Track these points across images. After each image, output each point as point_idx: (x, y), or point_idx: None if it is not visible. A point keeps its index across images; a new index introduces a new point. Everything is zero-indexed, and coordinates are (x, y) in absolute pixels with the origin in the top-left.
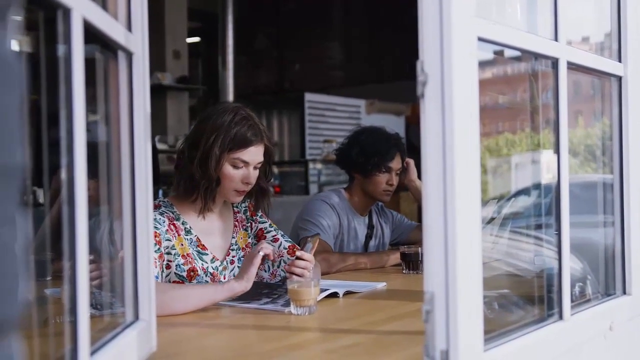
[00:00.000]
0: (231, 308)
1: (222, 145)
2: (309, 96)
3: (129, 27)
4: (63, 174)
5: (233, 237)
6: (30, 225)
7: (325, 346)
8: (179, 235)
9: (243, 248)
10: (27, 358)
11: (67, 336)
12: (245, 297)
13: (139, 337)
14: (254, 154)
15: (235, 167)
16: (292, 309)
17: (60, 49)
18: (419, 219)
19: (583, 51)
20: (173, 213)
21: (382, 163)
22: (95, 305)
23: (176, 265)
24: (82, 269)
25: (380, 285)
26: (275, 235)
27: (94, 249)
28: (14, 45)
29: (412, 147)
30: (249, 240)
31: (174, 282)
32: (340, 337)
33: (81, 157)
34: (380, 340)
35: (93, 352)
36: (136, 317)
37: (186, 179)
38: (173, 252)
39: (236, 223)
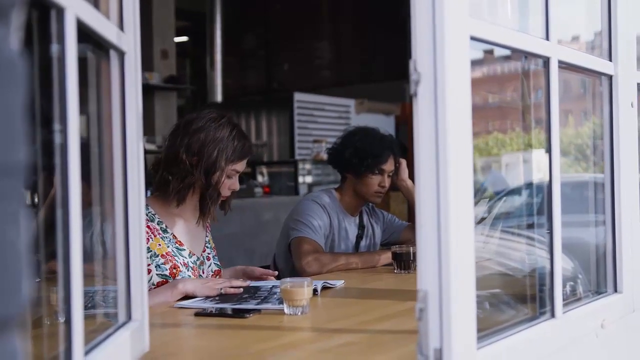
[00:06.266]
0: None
1: (226, 159)
2: (298, 96)
3: (121, 27)
4: (56, 175)
5: (207, 236)
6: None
7: (318, 345)
8: (155, 236)
9: (214, 248)
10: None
11: (61, 336)
12: (235, 300)
13: (132, 337)
14: (245, 164)
15: (229, 177)
16: (285, 308)
17: (54, 49)
18: (409, 218)
19: (574, 50)
20: (147, 214)
21: (376, 165)
22: (87, 305)
23: (156, 266)
24: (76, 269)
25: (339, 284)
26: (213, 253)
27: (84, 250)
28: (17, 45)
29: (401, 147)
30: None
31: (157, 283)
32: (334, 336)
33: (74, 158)
34: (374, 339)
35: (86, 353)
36: (129, 317)
37: (186, 187)
38: (149, 254)
39: (207, 225)
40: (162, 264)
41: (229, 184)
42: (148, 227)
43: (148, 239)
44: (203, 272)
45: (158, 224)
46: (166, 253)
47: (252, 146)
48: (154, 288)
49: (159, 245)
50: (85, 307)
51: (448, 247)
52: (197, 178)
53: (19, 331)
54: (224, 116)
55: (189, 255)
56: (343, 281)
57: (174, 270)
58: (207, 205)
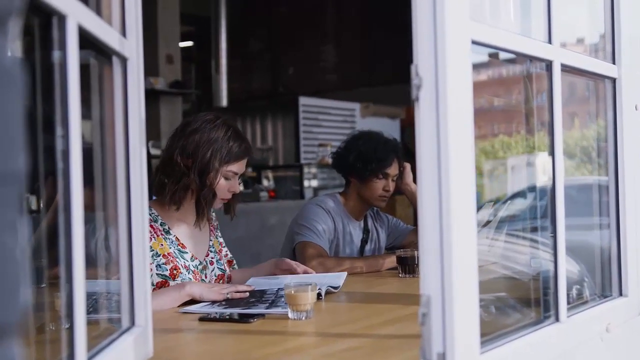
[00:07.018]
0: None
1: (220, 160)
2: (303, 100)
3: (123, 33)
4: (59, 181)
5: (210, 240)
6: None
7: (323, 350)
8: (157, 236)
9: (218, 251)
10: None
11: (64, 342)
12: (242, 305)
13: (136, 342)
14: (244, 166)
15: (226, 178)
16: (289, 313)
17: (55, 55)
18: (415, 222)
19: (577, 53)
20: (151, 215)
21: (380, 169)
22: (89, 310)
23: (157, 266)
24: (79, 275)
25: (343, 276)
26: (225, 252)
27: (89, 255)
28: (15, 52)
29: (406, 151)
30: (220, 246)
31: (157, 283)
32: (338, 341)
33: (77, 164)
34: (378, 343)
35: (90, 358)
36: (132, 323)
37: (182, 189)
38: (151, 253)
39: (211, 228)
40: (163, 264)
41: (228, 186)
42: (151, 227)
43: (150, 238)
44: (206, 277)
45: (161, 225)
46: (168, 253)
47: (250, 147)
48: (155, 289)
49: (161, 245)
50: (88, 312)
51: (450, 251)
52: (192, 180)
53: (18, 338)
54: (219, 117)
55: (191, 258)
56: (346, 273)
57: (174, 272)
58: (202, 206)
